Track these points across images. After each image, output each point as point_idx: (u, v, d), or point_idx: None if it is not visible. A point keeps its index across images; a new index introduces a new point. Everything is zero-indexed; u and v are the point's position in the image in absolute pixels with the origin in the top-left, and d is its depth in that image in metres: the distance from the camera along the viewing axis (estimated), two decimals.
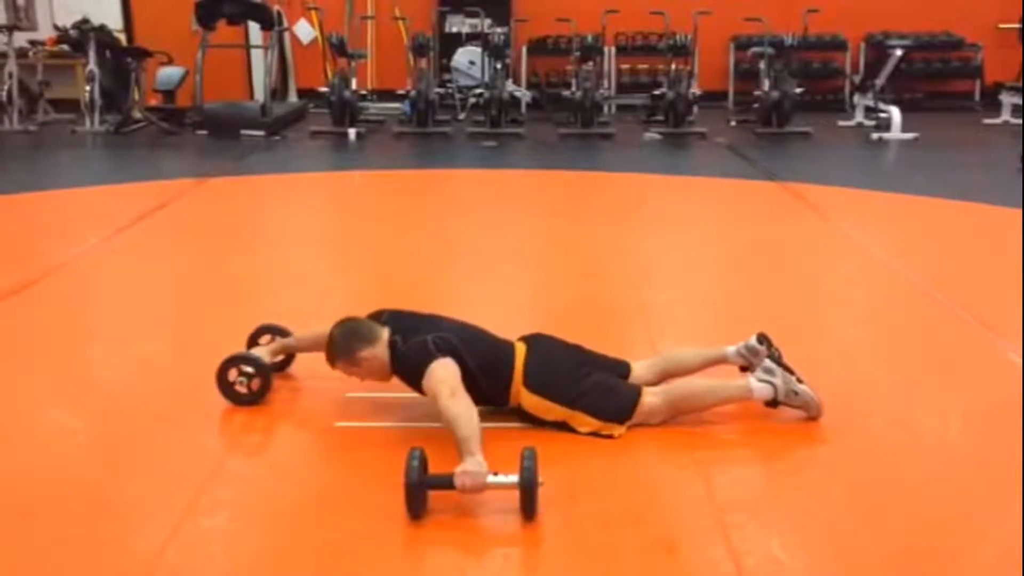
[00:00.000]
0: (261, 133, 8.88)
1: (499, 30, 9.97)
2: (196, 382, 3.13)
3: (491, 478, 2.29)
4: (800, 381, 2.84)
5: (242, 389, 2.90)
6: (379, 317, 2.87)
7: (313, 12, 10.33)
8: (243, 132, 8.89)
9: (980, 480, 2.54)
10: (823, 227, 5.49)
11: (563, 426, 2.75)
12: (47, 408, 2.97)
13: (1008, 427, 2.78)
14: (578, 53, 9.24)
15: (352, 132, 8.75)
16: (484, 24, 9.87)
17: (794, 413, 2.85)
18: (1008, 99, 9.73)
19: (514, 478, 2.26)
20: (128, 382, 3.20)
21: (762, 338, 2.99)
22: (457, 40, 10.68)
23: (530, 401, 2.76)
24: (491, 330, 2.91)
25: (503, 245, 5.04)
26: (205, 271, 4.59)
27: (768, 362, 2.87)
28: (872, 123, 9.16)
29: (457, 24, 10.79)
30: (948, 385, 3.19)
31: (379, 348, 2.75)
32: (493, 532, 2.31)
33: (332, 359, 2.81)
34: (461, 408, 2.48)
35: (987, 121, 9.67)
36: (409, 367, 2.71)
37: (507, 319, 3.18)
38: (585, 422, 2.73)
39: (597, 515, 2.35)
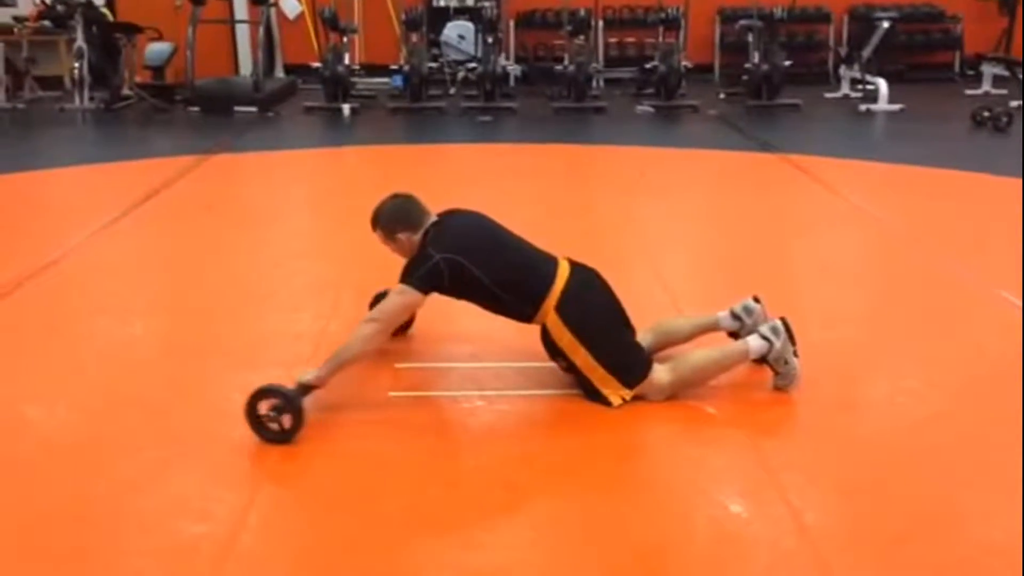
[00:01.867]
0: (254, 109, 8.84)
1: (488, 3, 9.96)
2: (227, 362, 3.20)
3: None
4: (795, 355, 2.86)
5: None
6: (444, 212, 2.98)
7: None
8: (236, 108, 8.86)
9: (985, 452, 2.58)
10: (824, 196, 5.61)
11: (571, 368, 2.79)
12: (51, 404, 2.88)
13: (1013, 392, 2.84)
14: (570, 27, 9.27)
15: (347, 108, 8.73)
16: None
17: (796, 388, 2.86)
18: (989, 70, 9.90)
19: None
20: (151, 360, 3.24)
21: (757, 300, 3.04)
22: (445, 14, 10.58)
23: (554, 323, 2.77)
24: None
25: (504, 218, 5.08)
26: (226, 249, 4.61)
27: (777, 323, 2.86)
28: (858, 95, 9.31)
29: None
30: (952, 345, 3.31)
31: (416, 236, 2.88)
32: (500, 530, 2.29)
33: (374, 224, 2.94)
34: (358, 337, 2.71)
35: (969, 92, 9.82)
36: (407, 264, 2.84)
37: None
38: (596, 370, 2.75)
39: (595, 489, 2.42)
